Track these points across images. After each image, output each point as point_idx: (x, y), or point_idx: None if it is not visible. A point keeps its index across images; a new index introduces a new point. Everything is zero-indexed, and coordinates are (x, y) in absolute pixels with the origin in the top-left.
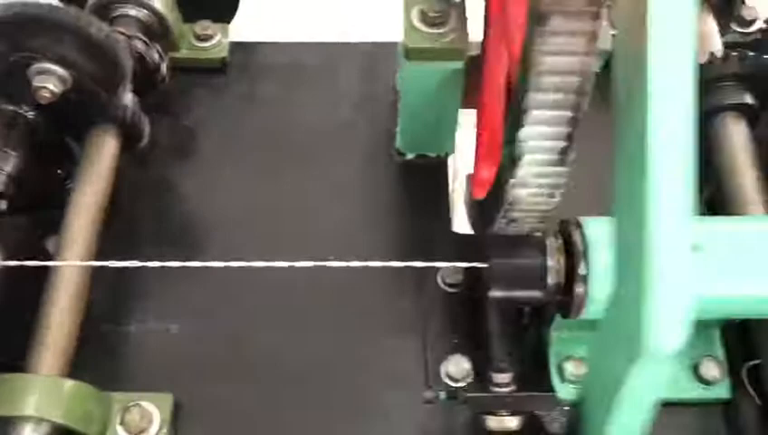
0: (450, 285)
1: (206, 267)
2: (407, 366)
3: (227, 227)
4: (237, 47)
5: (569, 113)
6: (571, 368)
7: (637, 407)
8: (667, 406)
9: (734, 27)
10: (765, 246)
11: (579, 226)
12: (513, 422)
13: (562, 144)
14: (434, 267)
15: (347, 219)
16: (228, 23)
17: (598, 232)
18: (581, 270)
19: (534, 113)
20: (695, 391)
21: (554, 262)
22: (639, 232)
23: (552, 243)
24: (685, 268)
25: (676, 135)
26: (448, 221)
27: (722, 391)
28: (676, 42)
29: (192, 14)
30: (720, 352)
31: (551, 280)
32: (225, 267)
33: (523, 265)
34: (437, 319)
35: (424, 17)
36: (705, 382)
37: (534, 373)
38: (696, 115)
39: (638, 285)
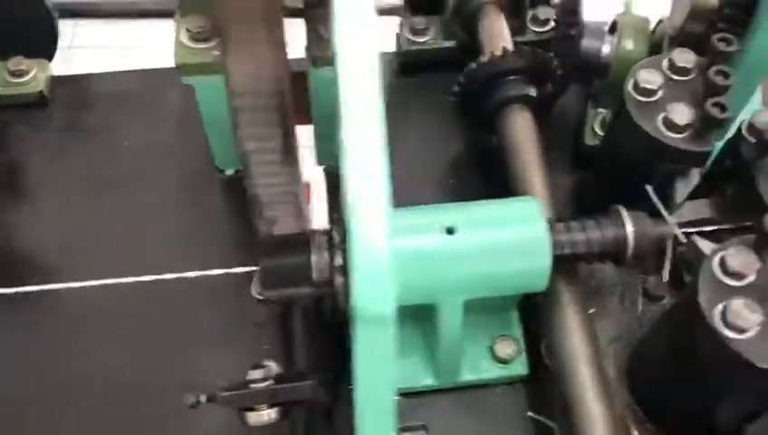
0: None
1: (25, 292)
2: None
3: (51, 254)
4: (58, 80)
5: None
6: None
7: (373, 376)
8: (471, 388)
9: (532, 27)
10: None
11: (340, 220)
12: (271, 415)
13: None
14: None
15: (170, 237)
16: (50, 59)
17: None
18: (337, 262)
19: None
20: (493, 372)
21: (318, 258)
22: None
23: (317, 239)
24: (380, 238)
25: (362, 120)
26: None
27: (519, 369)
28: (360, 39)
29: (7, 53)
30: (517, 330)
31: (316, 275)
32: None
33: (290, 264)
34: (251, 326)
35: (191, 34)
36: (502, 361)
37: (319, 367)
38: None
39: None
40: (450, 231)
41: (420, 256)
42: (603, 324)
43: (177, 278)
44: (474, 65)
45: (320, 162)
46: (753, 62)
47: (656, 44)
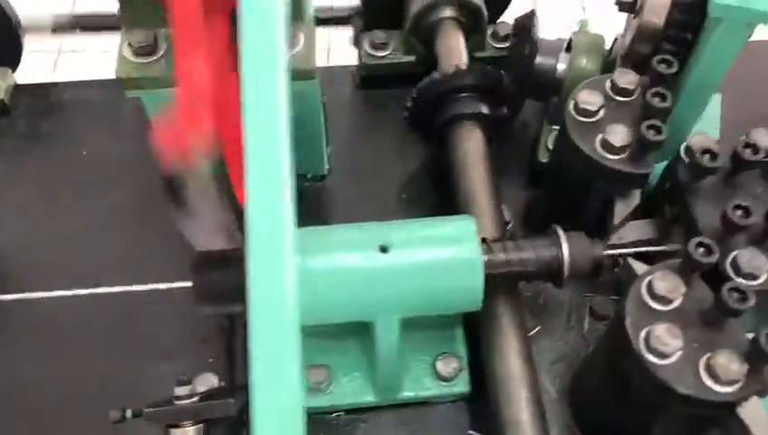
0: None
1: None
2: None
3: (7, 261)
4: (21, 89)
5: None
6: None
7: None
8: (413, 406)
9: (492, 43)
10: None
11: None
12: (191, 432)
13: None
14: None
15: (127, 245)
16: (14, 69)
17: None
18: None
19: None
20: (435, 389)
21: None
22: None
23: None
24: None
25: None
26: None
27: (461, 387)
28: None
29: None
30: (461, 348)
31: None
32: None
33: (224, 281)
34: (197, 340)
35: (133, 48)
36: (444, 379)
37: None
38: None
39: None
40: (384, 249)
41: (354, 274)
42: (548, 343)
43: (125, 291)
44: (425, 82)
45: None
46: (698, 82)
47: (610, 63)
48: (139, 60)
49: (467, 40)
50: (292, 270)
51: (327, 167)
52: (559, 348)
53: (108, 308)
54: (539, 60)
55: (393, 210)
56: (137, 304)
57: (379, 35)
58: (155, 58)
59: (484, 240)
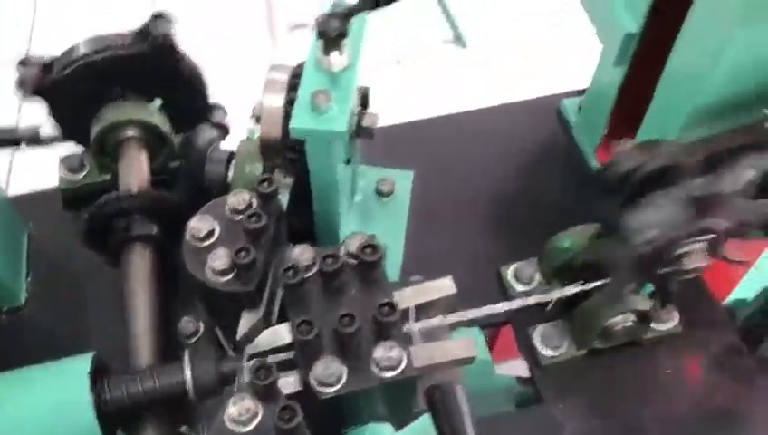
0: None
1: None
2: None
3: None
4: None
5: None
6: None
7: None
8: None
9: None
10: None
11: None
12: None
13: None
14: None
15: None
16: None
17: None
18: None
19: None
20: None
21: None
22: None
23: None
24: None
25: None
26: None
27: None
28: None
29: None
30: None
31: None
32: None
33: None
34: None
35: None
36: None
37: None
38: None
39: None
40: None
41: None
42: None
43: None
44: (98, 203)
45: None
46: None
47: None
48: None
49: (155, 157)
50: None
51: (25, 296)
52: None
53: None
54: (208, 169)
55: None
56: None
57: (74, 158)
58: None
59: (99, 379)
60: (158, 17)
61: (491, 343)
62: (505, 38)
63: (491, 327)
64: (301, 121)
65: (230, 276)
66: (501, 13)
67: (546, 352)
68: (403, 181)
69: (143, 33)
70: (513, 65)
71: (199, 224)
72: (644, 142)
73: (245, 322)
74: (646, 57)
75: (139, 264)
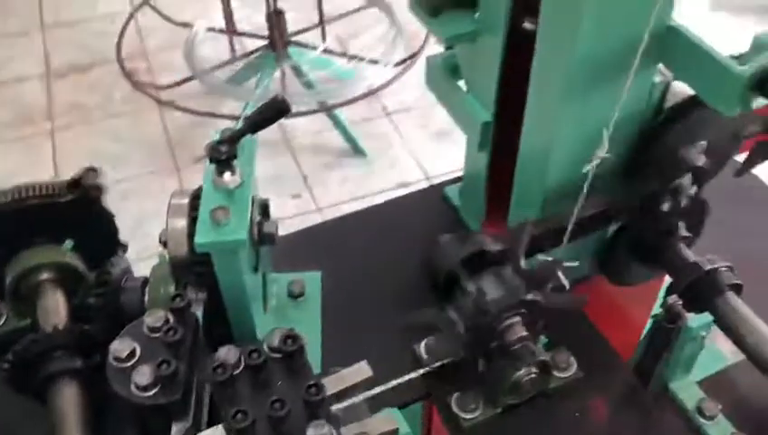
0: None
1: None
2: None
3: None
4: None
5: None
6: None
7: None
8: None
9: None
10: None
11: None
12: None
13: None
14: None
15: None
16: None
17: None
18: None
19: None
20: None
21: None
22: None
23: None
24: None
25: None
26: None
27: None
28: None
29: None
30: None
31: None
32: None
33: None
34: None
35: None
36: None
37: None
38: None
39: None
40: None
41: None
42: None
43: None
44: (18, 346)
45: None
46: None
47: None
48: None
49: (73, 295)
50: None
51: None
52: None
53: None
54: (123, 299)
55: None
56: None
57: None
58: None
59: None
60: (90, 169)
61: (428, 425)
62: None
63: (417, 402)
64: (204, 236)
65: (156, 390)
66: None
67: (465, 415)
68: (312, 282)
69: (74, 184)
70: None
71: (120, 346)
72: (460, 234)
73: (177, 432)
74: (504, 142)
75: (67, 396)
